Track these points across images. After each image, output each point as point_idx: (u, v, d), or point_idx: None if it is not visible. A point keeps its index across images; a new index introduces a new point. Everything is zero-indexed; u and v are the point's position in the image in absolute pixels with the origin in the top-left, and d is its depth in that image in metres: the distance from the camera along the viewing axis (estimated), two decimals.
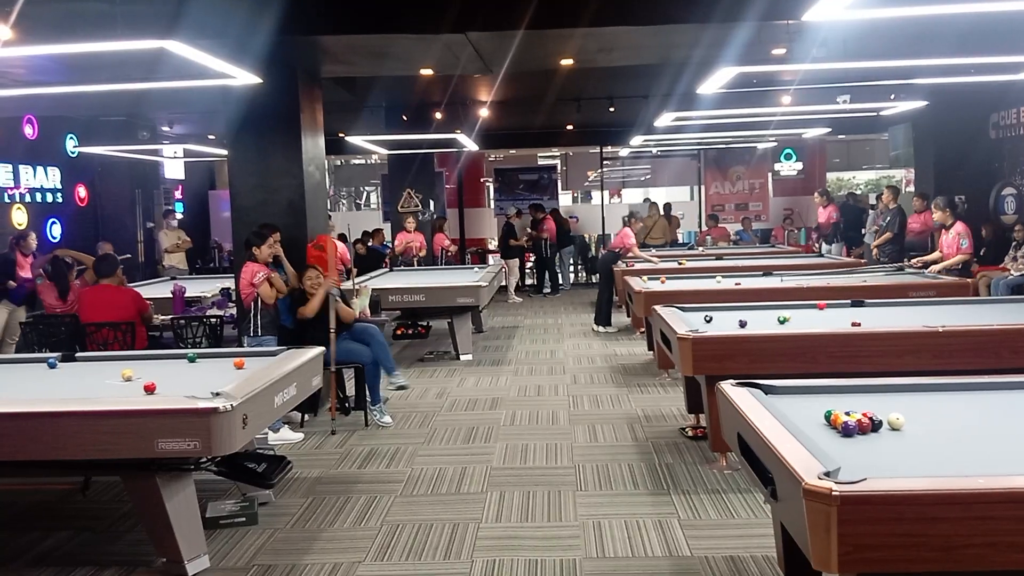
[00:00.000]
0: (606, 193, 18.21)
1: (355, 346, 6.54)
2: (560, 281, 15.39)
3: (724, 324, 5.42)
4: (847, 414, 2.98)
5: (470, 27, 6.01)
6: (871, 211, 13.40)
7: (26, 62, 6.69)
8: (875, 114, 12.27)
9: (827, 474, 2.37)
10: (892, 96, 10.78)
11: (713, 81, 7.31)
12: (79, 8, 5.50)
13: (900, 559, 2.29)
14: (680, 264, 10.48)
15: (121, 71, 6.65)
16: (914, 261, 9.64)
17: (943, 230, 8.43)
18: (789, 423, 2.93)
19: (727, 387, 3.53)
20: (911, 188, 13.35)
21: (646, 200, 17.29)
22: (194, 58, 5.04)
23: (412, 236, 12.22)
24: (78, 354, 5.25)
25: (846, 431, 2.92)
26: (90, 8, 5.41)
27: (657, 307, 6.07)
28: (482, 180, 18.52)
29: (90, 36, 5.04)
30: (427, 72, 7.87)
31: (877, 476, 2.36)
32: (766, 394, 3.44)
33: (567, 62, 7.65)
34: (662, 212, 15.51)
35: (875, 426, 2.96)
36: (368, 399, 6.53)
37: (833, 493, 2.27)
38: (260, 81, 6.07)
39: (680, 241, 16.03)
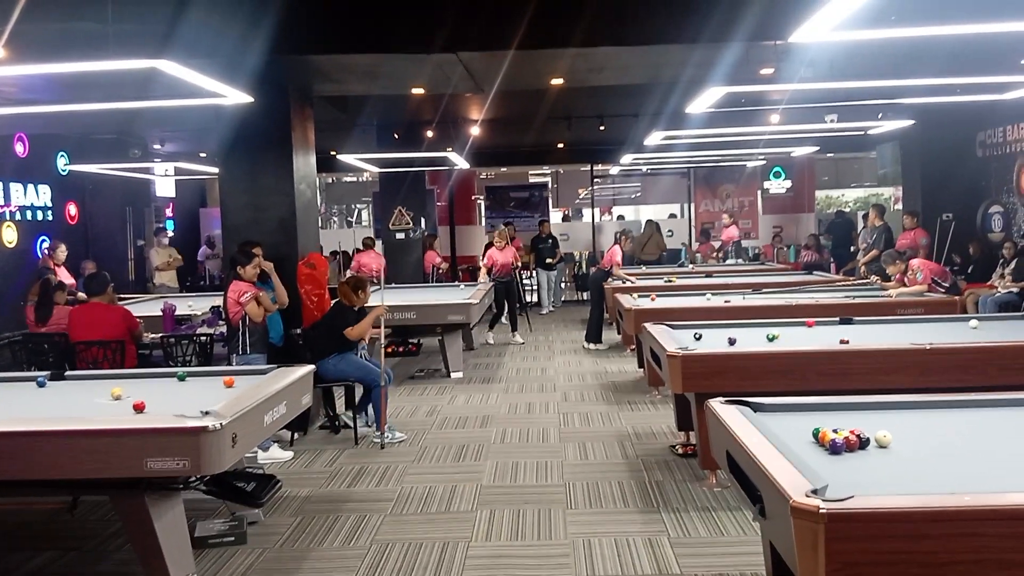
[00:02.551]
0: (596, 210, 18.27)
1: (370, 365, 6.54)
2: (539, 300, 14.76)
3: (714, 342, 5.44)
4: (835, 431, 3.00)
5: (461, 47, 6.06)
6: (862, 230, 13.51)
7: (18, 81, 6.70)
8: (863, 133, 12.38)
9: (815, 492, 2.38)
10: (879, 115, 10.88)
11: (702, 100, 7.38)
12: (71, 28, 5.52)
13: None
14: (670, 281, 10.52)
15: (113, 90, 6.67)
16: (873, 277, 9.71)
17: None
18: (777, 441, 2.94)
19: (716, 405, 3.54)
20: (899, 206, 13.44)
21: (649, 222, 17.13)
22: (186, 77, 5.06)
23: (500, 254, 11.41)
24: (67, 373, 5.22)
25: (834, 449, 2.94)
26: (82, 28, 5.43)
27: (647, 325, 6.09)
28: (473, 198, 18.57)
29: (82, 55, 5.07)
30: (419, 91, 7.92)
31: (865, 494, 2.38)
32: (755, 412, 3.46)
33: (557, 81, 7.71)
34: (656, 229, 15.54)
35: (863, 444, 2.98)
36: (371, 419, 6.53)
37: (821, 511, 2.28)
38: (252, 100, 6.09)
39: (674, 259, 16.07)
